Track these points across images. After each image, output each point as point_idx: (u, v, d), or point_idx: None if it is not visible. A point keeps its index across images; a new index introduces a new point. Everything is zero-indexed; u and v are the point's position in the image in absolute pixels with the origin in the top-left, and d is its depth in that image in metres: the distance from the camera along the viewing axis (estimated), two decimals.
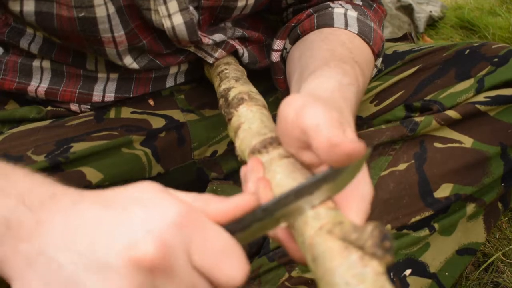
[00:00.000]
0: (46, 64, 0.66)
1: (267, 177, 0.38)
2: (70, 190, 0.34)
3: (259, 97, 0.52)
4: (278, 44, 0.68)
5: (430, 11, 1.87)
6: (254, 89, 0.54)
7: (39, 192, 0.33)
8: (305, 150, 0.38)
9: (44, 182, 0.35)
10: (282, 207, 0.33)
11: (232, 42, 0.68)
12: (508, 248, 0.84)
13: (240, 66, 0.66)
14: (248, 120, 0.46)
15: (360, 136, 0.66)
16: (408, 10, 1.79)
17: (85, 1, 0.54)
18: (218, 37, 0.65)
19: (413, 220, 0.59)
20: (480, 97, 0.60)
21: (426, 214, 0.59)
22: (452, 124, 0.61)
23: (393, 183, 0.60)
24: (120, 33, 0.58)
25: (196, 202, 0.33)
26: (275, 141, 0.41)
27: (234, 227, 0.33)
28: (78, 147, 0.60)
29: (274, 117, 0.43)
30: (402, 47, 0.74)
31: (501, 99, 0.60)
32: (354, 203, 0.36)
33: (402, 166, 0.61)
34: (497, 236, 0.87)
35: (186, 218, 0.31)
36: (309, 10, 0.66)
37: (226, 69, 0.62)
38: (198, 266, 0.31)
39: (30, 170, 0.36)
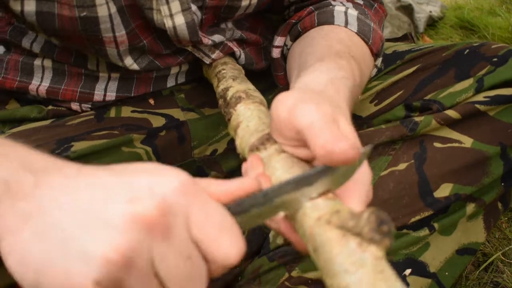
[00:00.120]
0: (48, 63, 0.66)
1: (267, 173, 0.39)
2: (75, 163, 0.34)
3: (256, 94, 0.52)
4: (279, 40, 0.68)
5: (430, 11, 1.87)
6: (251, 87, 0.55)
7: (42, 159, 0.33)
8: (301, 147, 0.39)
9: (48, 155, 0.34)
10: (282, 194, 0.33)
11: (229, 44, 0.68)
12: (508, 248, 0.84)
13: (237, 65, 0.67)
14: (246, 118, 0.46)
15: (360, 136, 0.66)
16: (408, 10, 1.79)
17: (87, 0, 0.54)
18: (217, 37, 0.65)
19: (413, 220, 0.59)
20: (480, 97, 0.60)
21: (426, 214, 0.59)
22: (451, 124, 0.61)
23: (393, 183, 0.60)
24: (121, 32, 0.58)
25: (199, 181, 0.34)
26: (272, 137, 0.41)
27: (233, 209, 0.33)
28: (78, 146, 0.60)
29: None
30: (402, 47, 0.74)
31: (500, 99, 0.60)
32: (354, 190, 0.37)
33: (402, 166, 0.61)
34: (497, 236, 0.87)
35: (189, 188, 0.31)
36: (310, 7, 0.67)
37: (224, 69, 0.63)
38: (195, 239, 0.30)
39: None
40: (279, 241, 0.62)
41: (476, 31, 1.78)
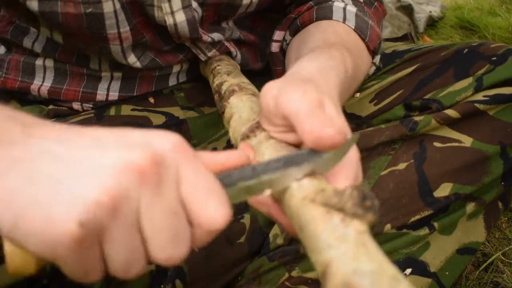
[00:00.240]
0: (49, 63, 0.66)
1: (257, 159, 0.39)
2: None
3: (250, 86, 0.53)
4: (278, 34, 0.69)
5: (430, 11, 1.87)
6: (245, 80, 0.55)
7: (30, 117, 0.32)
8: (289, 133, 0.39)
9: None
10: (270, 171, 0.34)
11: (227, 43, 0.68)
12: (508, 248, 0.84)
13: (232, 61, 0.67)
14: (239, 109, 0.47)
15: (360, 135, 0.66)
16: (408, 10, 1.79)
17: None
18: (216, 36, 0.66)
19: (412, 219, 0.59)
20: (479, 96, 0.60)
21: (426, 213, 0.59)
22: (451, 123, 0.61)
23: (393, 182, 0.60)
24: (125, 28, 0.59)
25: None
26: (261, 125, 0.42)
27: (221, 180, 0.33)
28: None
29: None
30: (401, 46, 0.75)
31: (500, 98, 0.60)
32: (341, 172, 0.37)
33: (401, 166, 0.61)
34: (497, 236, 0.87)
35: (182, 147, 0.31)
36: (310, 2, 0.67)
37: (219, 65, 0.64)
38: (183, 198, 0.30)
39: None
40: (279, 241, 0.62)
41: (476, 31, 1.78)
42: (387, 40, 1.54)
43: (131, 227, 0.28)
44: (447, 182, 0.59)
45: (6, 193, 0.27)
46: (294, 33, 0.66)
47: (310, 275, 0.60)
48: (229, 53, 0.70)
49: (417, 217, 0.59)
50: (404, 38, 1.68)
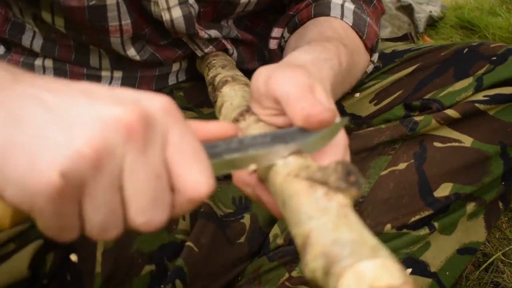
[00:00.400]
0: (49, 63, 0.66)
1: None
2: None
3: (243, 78, 0.53)
4: (276, 31, 0.69)
5: (430, 11, 1.87)
6: (239, 73, 0.56)
7: (19, 69, 0.32)
8: (279, 116, 0.39)
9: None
10: (257, 145, 0.34)
11: (224, 41, 0.68)
12: (508, 248, 0.84)
13: (228, 56, 0.68)
14: (231, 98, 0.47)
15: (360, 135, 0.66)
16: (408, 10, 1.79)
17: None
18: (213, 33, 0.66)
19: (413, 219, 0.59)
20: (479, 96, 0.60)
21: (426, 213, 0.59)
22: (451, 123, 0.61)
23: (393, 182, 0.60)
24: (127, 21, 0.59)
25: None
26: (251, 109, 0.42)
27: (207, 150, 0.32)
28: None
29: None
30: (401, 46, 0.74)
31: (500, 98, 0.60)
32: (328, 152, 0.37)
33: (401, 166, 0.61)
34: (497, 236, 0.87)
35: (172, 110, 0.30)
36: (309, 0, 0.67)
37: (214, 60, 0.64)
38: (168, 162, 0.30)
39: None
40: (279, 241, 0.62)
41: (476, 31, 1.78)
42: (387, 40, 1.54)
43: (112, 185, 0.28)
44: (447, 182, 0.59)
45: None
46: (292, 30, 0.66)
47: None
48: (225, 50, 0.70)
49: (417, 217, 0.59)
50: (404, 38, 1.68)
